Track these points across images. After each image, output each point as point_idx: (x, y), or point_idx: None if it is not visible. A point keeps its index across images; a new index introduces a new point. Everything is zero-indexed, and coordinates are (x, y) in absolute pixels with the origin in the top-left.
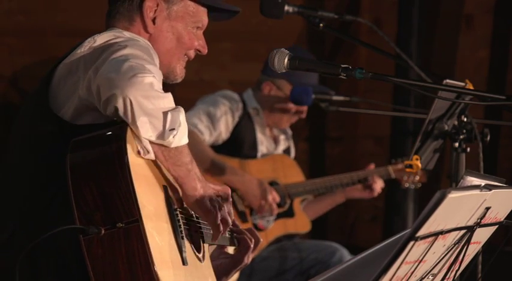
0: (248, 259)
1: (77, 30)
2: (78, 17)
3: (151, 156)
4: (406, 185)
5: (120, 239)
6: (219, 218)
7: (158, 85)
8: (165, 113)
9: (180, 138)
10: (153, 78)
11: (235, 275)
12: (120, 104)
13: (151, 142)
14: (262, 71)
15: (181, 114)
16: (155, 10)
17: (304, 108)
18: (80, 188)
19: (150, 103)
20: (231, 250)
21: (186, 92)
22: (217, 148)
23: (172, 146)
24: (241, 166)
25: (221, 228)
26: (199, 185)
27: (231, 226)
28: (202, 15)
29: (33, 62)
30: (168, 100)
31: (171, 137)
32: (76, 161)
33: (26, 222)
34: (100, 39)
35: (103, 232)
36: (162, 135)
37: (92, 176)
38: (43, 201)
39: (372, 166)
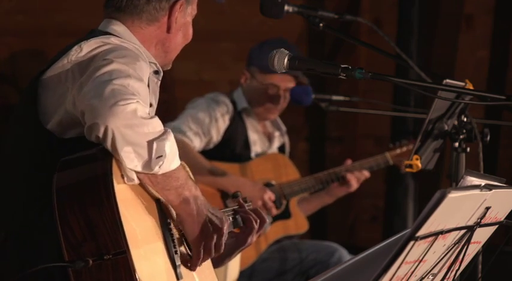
0: (252, 240)
1: (77, 30)
2: (78, 17)
3: (136, 183)
4: (406, 170)
5: (108, 270)
6: (202, 245)
7: (143, 110)
8: (150, 142)
9: (168, 165)
10: (137, 104)
11: (236, 275)
12: (101, 134)
13: (137, 172)
14: None
15: (168, 142)
16: (178, 11)
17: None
18: (66, 216)
19: (134, 132)
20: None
21: (186, 92)
22: (209, 152)
23: (160, 173)
24: (241, 169)
25: (201, 256)
26: (192, 208)
27: (235, 207)
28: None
29: (33, 62)
30: (153, 126)
31: (157, 167)
32: (62, 185)
33: (17, 231)
34: (86, 47)
35: (91, 263)
36: (148, 164)
37: (78, 205)
38: (33, 211)
39: (349, 162)
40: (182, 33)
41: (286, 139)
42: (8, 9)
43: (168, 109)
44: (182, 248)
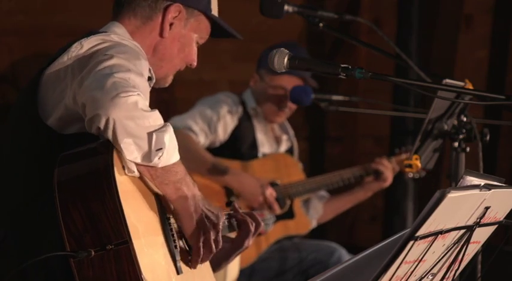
0: (248, 243)
1: (77, 30)
2: (78, 17)
3: (136, 175)
4: (410, 175)
5: (110, 261)
6: (202, 241)
7: (143, 102)
8: (150, 134)
9: (168, 158)
10: (138, 97)
11: (236, 275)
12: (103, 125)
13: (137, 164)
14: None
15: (167, 134)
16: (175, 17)
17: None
18: (68, 208)
19: (134, 124)
20: (232, 234)
21: (186, 92)
22: (215, 150)
23: (160, 166)
24: (243, 167)
25: (201, 253)
26: (190, 204)
27: (230, 212)
28: (207, 33)
29: (33, 62)
30: (153, 118)
31: (157, 158)
32: (63, 178)
33: (16, 230)
34: (87, 44)
35: (93, 254)
36: (148, 156)
37: (80, 196)
38: (33, 208)
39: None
40: (180, 45)
41: (294, 143)
42: (8, 9)
43: (168, 109)
44: (181, 244)
